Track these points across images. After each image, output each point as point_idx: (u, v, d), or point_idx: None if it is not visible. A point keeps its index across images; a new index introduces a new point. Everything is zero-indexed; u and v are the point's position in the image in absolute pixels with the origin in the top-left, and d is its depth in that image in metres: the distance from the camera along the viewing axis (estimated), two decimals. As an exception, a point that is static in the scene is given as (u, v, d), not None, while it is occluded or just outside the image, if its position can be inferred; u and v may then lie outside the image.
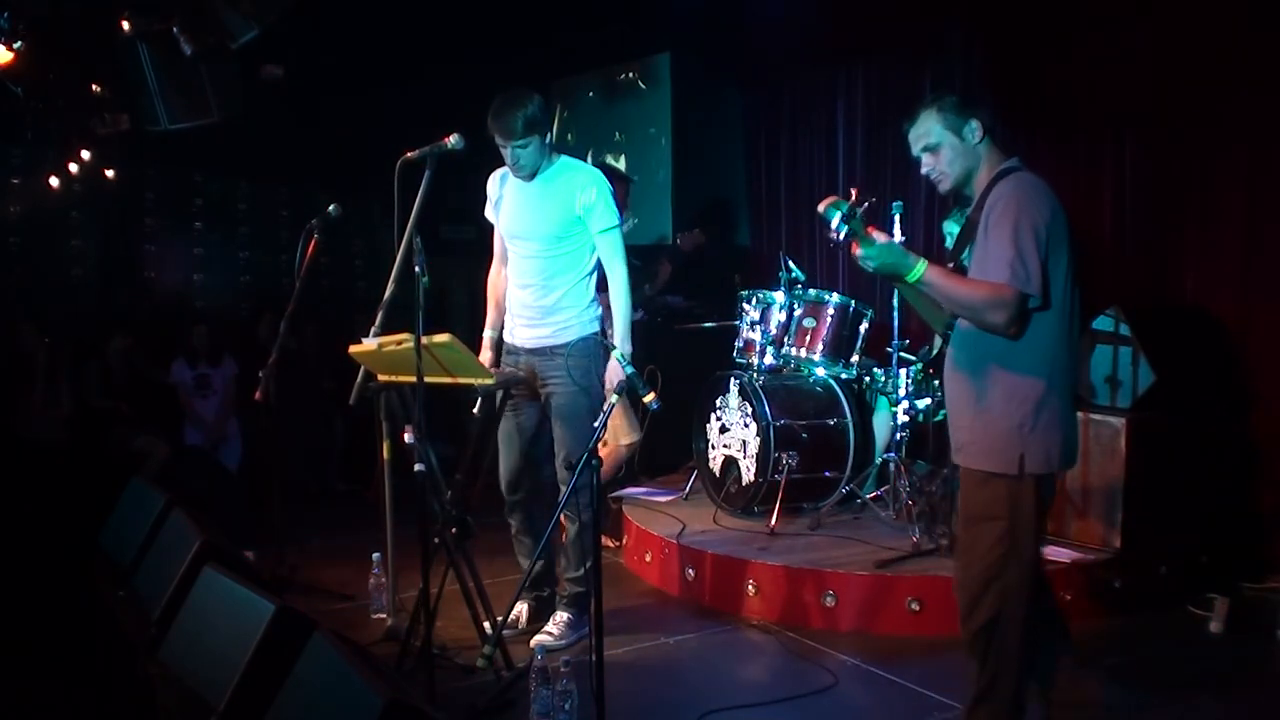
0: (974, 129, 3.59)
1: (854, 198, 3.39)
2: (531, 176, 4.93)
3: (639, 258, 9.64)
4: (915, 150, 3.68)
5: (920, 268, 3.41)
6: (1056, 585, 5.36)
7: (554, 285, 5.00)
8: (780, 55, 8.68)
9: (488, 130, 4.79)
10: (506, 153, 4.86)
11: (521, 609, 5.25)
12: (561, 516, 5.02)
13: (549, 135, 4.87)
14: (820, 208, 3.35)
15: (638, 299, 6.95)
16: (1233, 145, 5.92)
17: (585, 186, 4.88)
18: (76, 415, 8.18)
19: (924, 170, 3.70)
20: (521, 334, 5.10)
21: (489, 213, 5.22)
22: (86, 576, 5.53)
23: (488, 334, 5.25)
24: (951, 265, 3.65)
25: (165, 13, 6.44)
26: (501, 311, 5.28)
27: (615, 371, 4.84)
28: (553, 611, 5.20)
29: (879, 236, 3.43)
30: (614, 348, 4.14)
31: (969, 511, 3.67)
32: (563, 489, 5.01)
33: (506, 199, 5.07)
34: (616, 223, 4.96)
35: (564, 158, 5.01)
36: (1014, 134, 7.07)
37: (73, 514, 6.32)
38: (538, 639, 4.96)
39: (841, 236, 3.31)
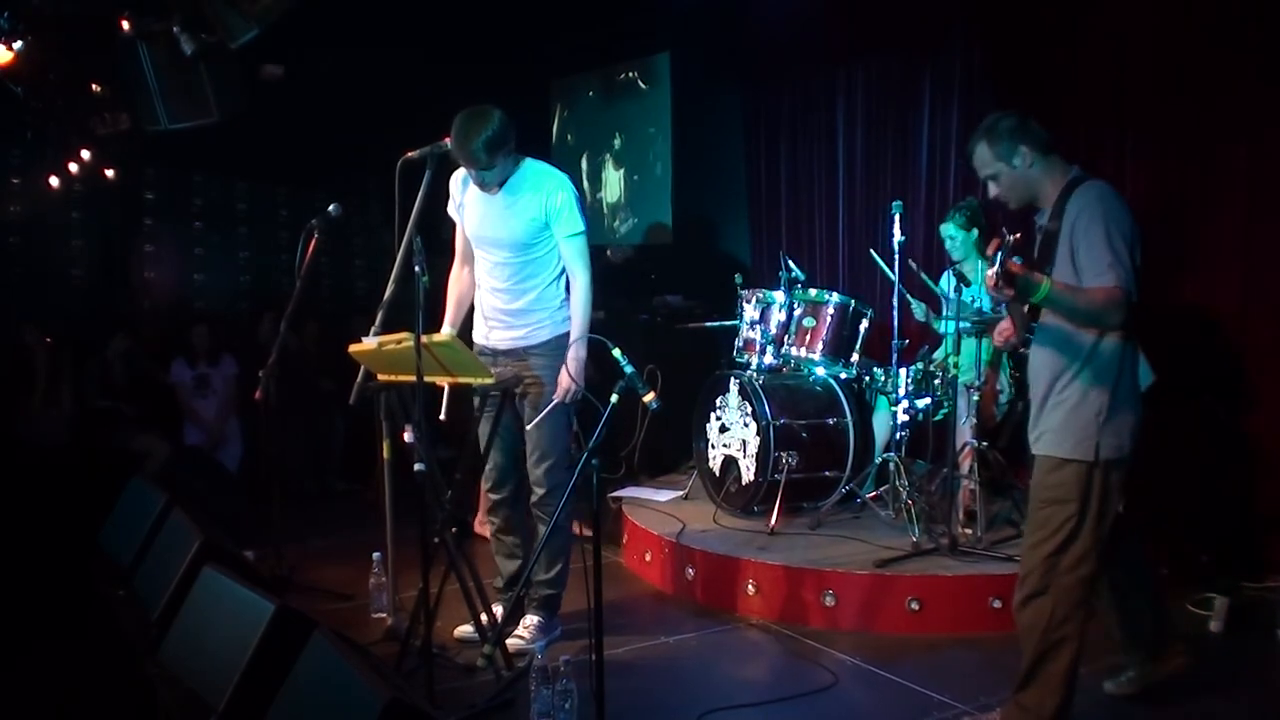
0: (1023, 155, 3.87)
1: (1008, 239, 3.53)
2: (500, 186, 4.90)
3: (641, 255, 9.67)
4: (980, 176, 4.02)
5: (1045, 288, 3.60)
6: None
7: (526, 289, 4.98)
8: (780, 54, 8.68)
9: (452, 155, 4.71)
10: (472, 172, 4.83)
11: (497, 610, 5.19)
12: (538, 517, 5.08)
13: (513, 147, 4.78)
14: (989, 251, 3.51)
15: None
16: (1234, 143, 5.91)
17: (553, 192, 4.85)
18: (77, 415, 8.19)
19: (991, 194, 4.03)
20: (495, 336, 5.08)
21: (452, 211, 5.18)
22: (87, 577, 5.53)
23: (446, 330, 5.16)
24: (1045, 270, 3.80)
25: (165, 12, 6.44)
26: (461, 310, 5.26)
27: (575, 366, 4.84)
28: (523, 614, 5.18)
29: (1013, 267, 3.60)
30: (612, 346, 4.10)
31: (1042, 495, 3.89)
32: (536, 491, 5.03)
33: (472, 205, 5.01)
34: (582, 228, 4.92)
35: (529, 162, 4.95)
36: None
37: (73, 514, 6.33)
38: (509, 642, 4.92)
39: (996, 267, 3.48)
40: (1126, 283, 3.64)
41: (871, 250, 6.64)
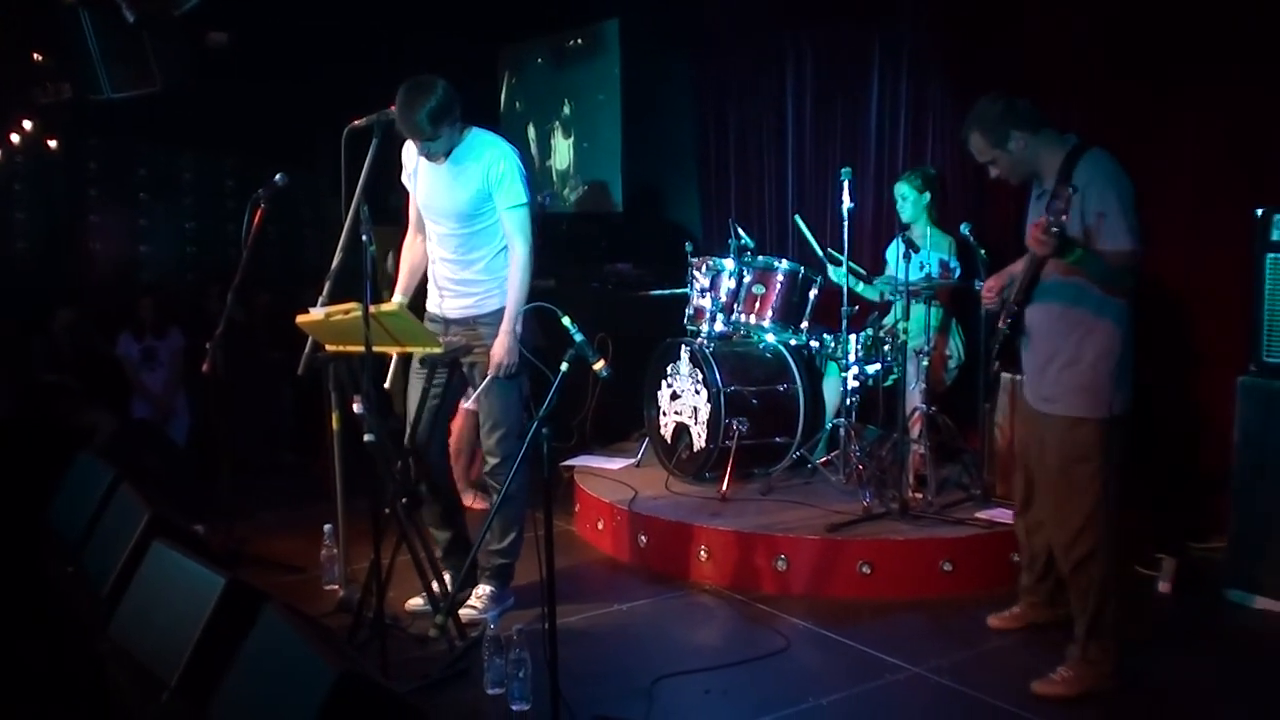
0: (1016, 138, 4.06)
1: (1073, 194, 3.71)
2: (446, 156, 4.88)
3: (591, 223, 9.63)
4: (979, 161, 4.23)
5: (1081, 249, 3.76)
6: (1004, 547, 5.44)
7: (473, 259, 4.97)
8: (729, 21, 8.65)
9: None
10: (417, 143, 4.81)
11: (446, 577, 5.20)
12: (491, 487, 5.11)
13: (458, 117, 4.75)
14: (1059, 198, 3.66)
15: None
16: (1181, 124, 5.93)
17: (495, 162, 4.82)
18: (22, 390, 8.08)
19: (991, 176, 4.24)
20: (448, 305, 5.08)
21: (404, 180, 5.16)
22: (34, 553, 5.48)
23: (397, 298, 5.16)
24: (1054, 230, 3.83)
25: (107, -21, 6.35)
26: (413, 278, 5.25)
27: (508, 339, 4.82)
28: (476, 584, 5.19)
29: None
30: (562, 314, 4.08)
31: (1064, 456, 4.14)
32: (489, 460, 5.04)
33: (421, 175, 5.00)
34: (524, 200, 4.88)
35: (475, 131, 4.92)
36: (962, 104, 7.09)
37: (20, 490, 6.25)
38: (462, 613, 4.93)
39: (1053, 216, 3.63)
40: (1140, 246, 3.88)
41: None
